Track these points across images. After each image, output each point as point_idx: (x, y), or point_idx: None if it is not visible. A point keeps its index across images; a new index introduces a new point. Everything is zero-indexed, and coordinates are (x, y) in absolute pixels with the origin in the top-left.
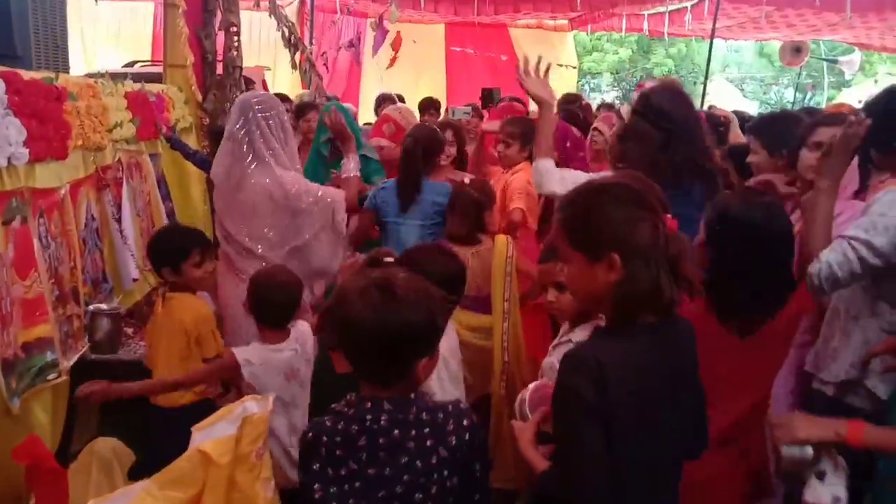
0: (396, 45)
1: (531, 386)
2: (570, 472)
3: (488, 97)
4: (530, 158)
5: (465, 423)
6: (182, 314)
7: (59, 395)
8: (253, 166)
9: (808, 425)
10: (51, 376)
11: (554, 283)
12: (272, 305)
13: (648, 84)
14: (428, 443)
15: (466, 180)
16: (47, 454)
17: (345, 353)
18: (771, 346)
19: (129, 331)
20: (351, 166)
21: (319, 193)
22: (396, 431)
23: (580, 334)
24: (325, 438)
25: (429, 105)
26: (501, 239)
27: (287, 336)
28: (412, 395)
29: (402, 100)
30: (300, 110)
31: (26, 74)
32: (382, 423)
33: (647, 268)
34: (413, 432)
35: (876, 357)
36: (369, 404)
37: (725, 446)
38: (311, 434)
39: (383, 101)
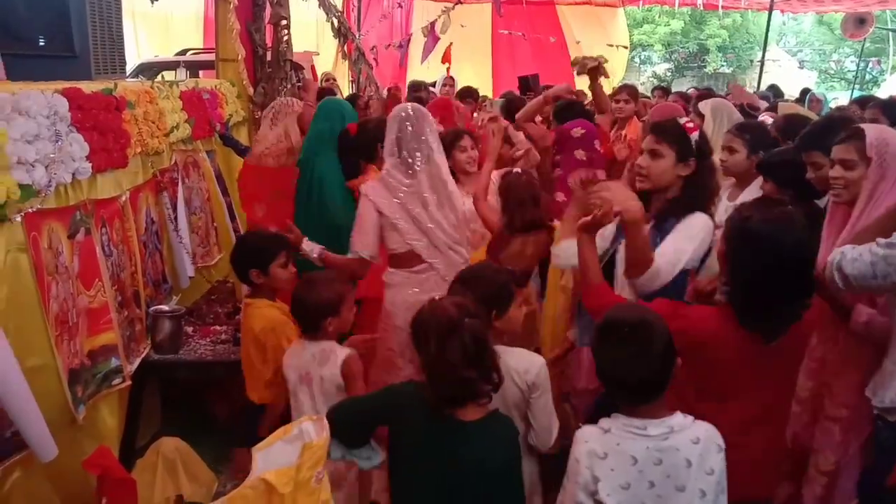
0: (446, 59)
1: None
2: None
3: (525, 86)
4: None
5: None
6: (253, 322)
7: (123, 397)
8: None
9: None
10: (115, 381)
11: None
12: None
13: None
14: None
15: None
16: (117, 464)
17: None
18: (791, 349)
19: (189, 329)
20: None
21: None
22: None
23: None
24: None
25: (466, 94)
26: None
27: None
28: None
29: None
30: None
31: (87, 87)
32: None
33: None
34: None
35: None
36: None
37: (756, 427)
38: None
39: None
